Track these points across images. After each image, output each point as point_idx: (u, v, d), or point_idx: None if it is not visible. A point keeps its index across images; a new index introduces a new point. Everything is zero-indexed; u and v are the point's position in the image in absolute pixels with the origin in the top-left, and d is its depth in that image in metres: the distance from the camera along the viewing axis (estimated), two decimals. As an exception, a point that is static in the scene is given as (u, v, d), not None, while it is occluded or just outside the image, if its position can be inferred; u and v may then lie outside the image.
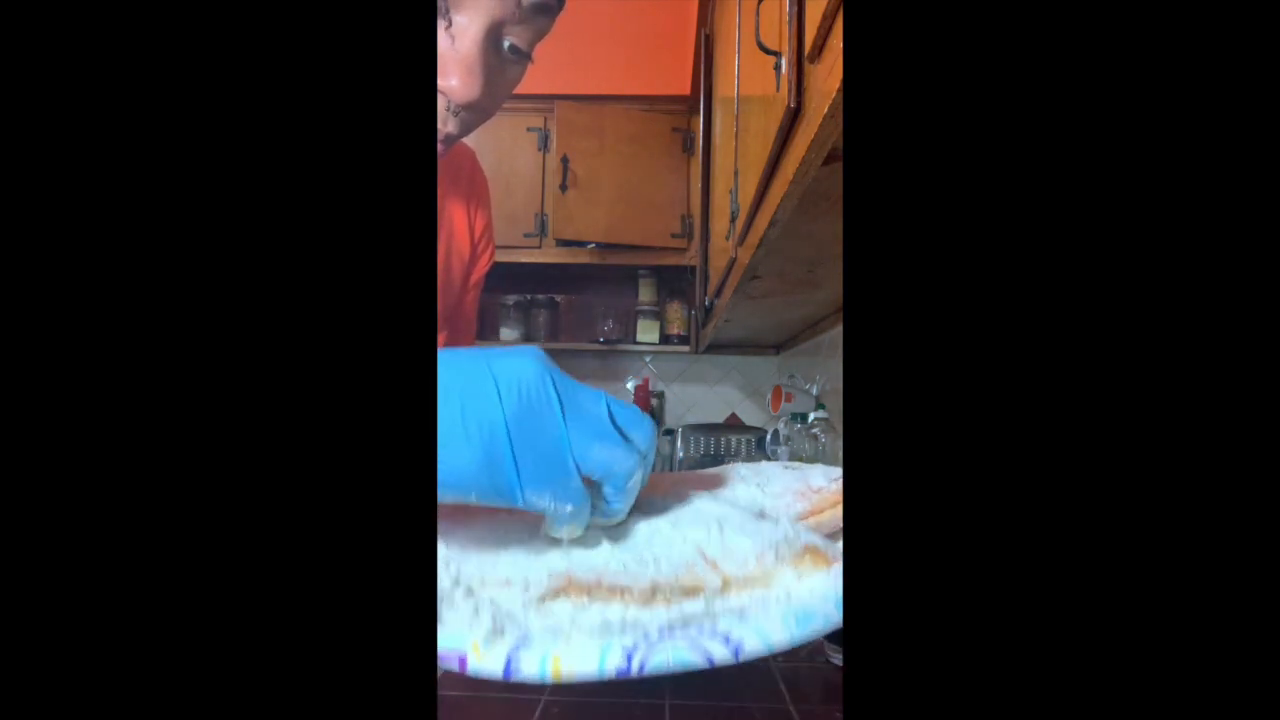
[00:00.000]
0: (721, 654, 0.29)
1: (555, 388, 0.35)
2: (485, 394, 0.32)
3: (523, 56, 0.53)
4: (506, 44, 0.51)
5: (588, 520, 0.36)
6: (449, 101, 0.51)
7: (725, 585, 0.33)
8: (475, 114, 0.53)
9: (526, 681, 0.29)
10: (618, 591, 0.32)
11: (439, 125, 0.52)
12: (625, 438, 0.36)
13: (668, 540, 0.36)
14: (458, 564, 0.34)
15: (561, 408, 0.35)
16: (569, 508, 0.34)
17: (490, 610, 0.31)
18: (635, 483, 0.36)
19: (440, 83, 0.50)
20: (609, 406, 0.37)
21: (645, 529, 0.37)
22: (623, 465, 0.36)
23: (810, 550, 0.34)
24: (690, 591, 0.33)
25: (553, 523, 0.35)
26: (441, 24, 0.49)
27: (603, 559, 0.34)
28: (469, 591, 0.32)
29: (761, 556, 0.34)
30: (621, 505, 0.37)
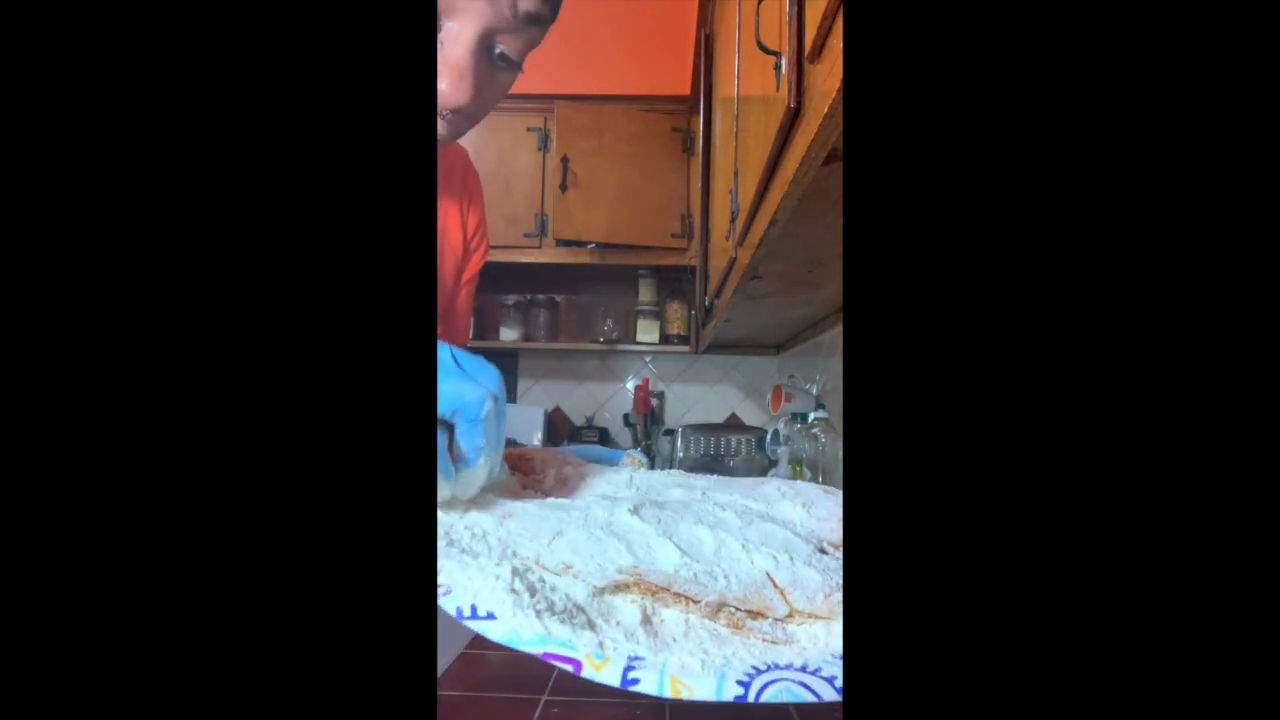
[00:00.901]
0: (829, 694, 0.30)
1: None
2: None
3: (513, 65, 0.54)
4: (497, 51, 0.52)
5: (450, 470, 0.37)
6: (438, 105, 0.52)
7: (790, 615, 0.34)
8: (463, 119, 0.54)
9: (644, 695, 0.30)
10: (683, 599, 0.33)
11: None
12: (471, 379, 0.38)
13: (735, 558, 0.36)
14: (513, 546, 0.35)
15: None
16: None
17: (562, 600, 0.32)
18: (486, 415, 0.37)
19: None
20: (453, 354, 0.39)
21: (711, 542, 0.37)
22: (473, 396, 0.37)
23: None
24: (756, 615, 0.34)
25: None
26: (442, 26, 0.49)
27: (673, 565, 0.35)
28: (533, 586, 0.33)
29: (830, 595, 0.35)
30: (477, 443, 0.37)
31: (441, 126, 0.53)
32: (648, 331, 2.46)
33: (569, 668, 0.30)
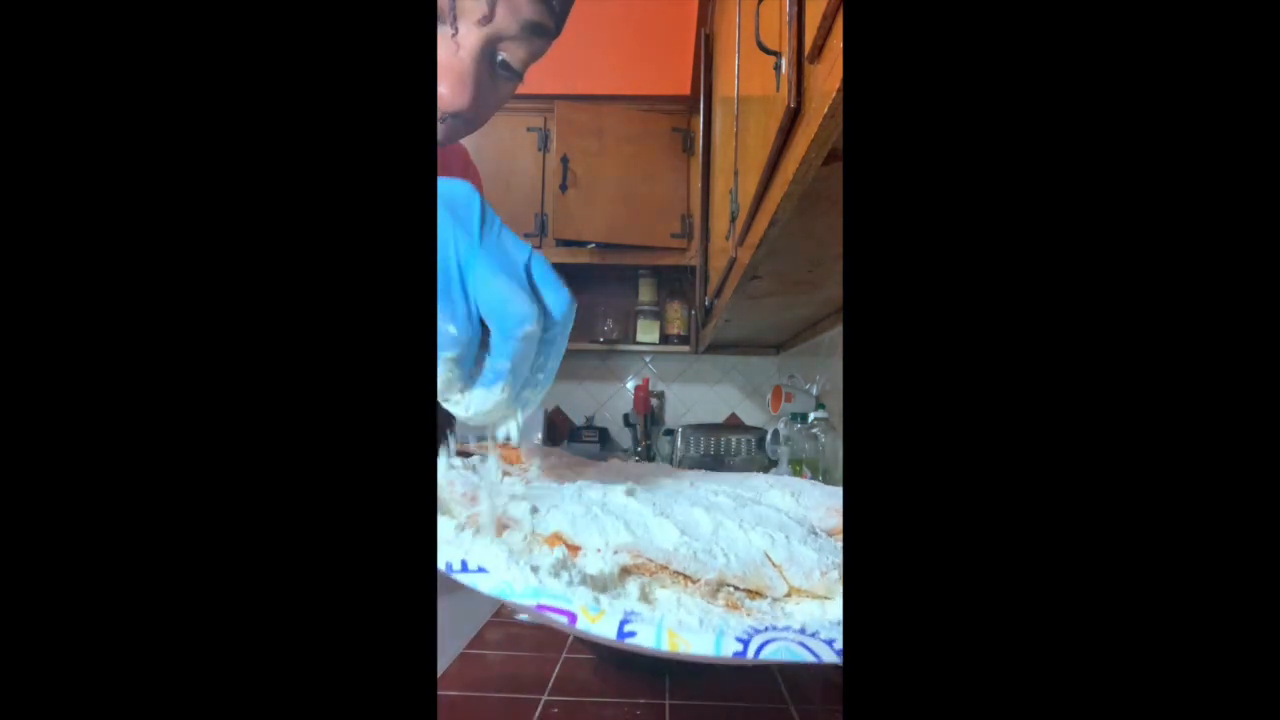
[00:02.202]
0: (828, 655, 0.29)
1: (483, 209, 0.35)
2: None
3: (514, 74, 0.54)
4: (499, 59, 0.52)
5: (469, 372, 0.34)
6: (437, 109, 0.52)
7: (789, 592, 0.34)
8: (462, 123, 0.54)
9: (640, 648, 0.29)
10: (682, 578, 0.33)
11: None
12: (537, 295, 0.35)
13: (733, 538, 0.36)
14: (504, 511, 0.35)
15: (481, 228, 0.34)
16: (451, 328, 0.33)
17: (579, 573, 0.31)
18: (526, 336, 0.34)
19: None
20: (530, 258, 0.36)
21: (708, 523, 0.37)
22: (517, 309, 0.34)
23: None
24: (755, 593, 0.33)
25: (440, 360, 0.34)
26: (448, 31, 0.49)
27: (671, 542, 0.34)
28: (528, 547, 0.32)
29: (826, 573, 0.35)
30: (502, 364, 0.35)
31: (440, 130, 0.54)
32: (648, 331, 2.46)
33: (563, 619, 0.29)
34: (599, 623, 0.29)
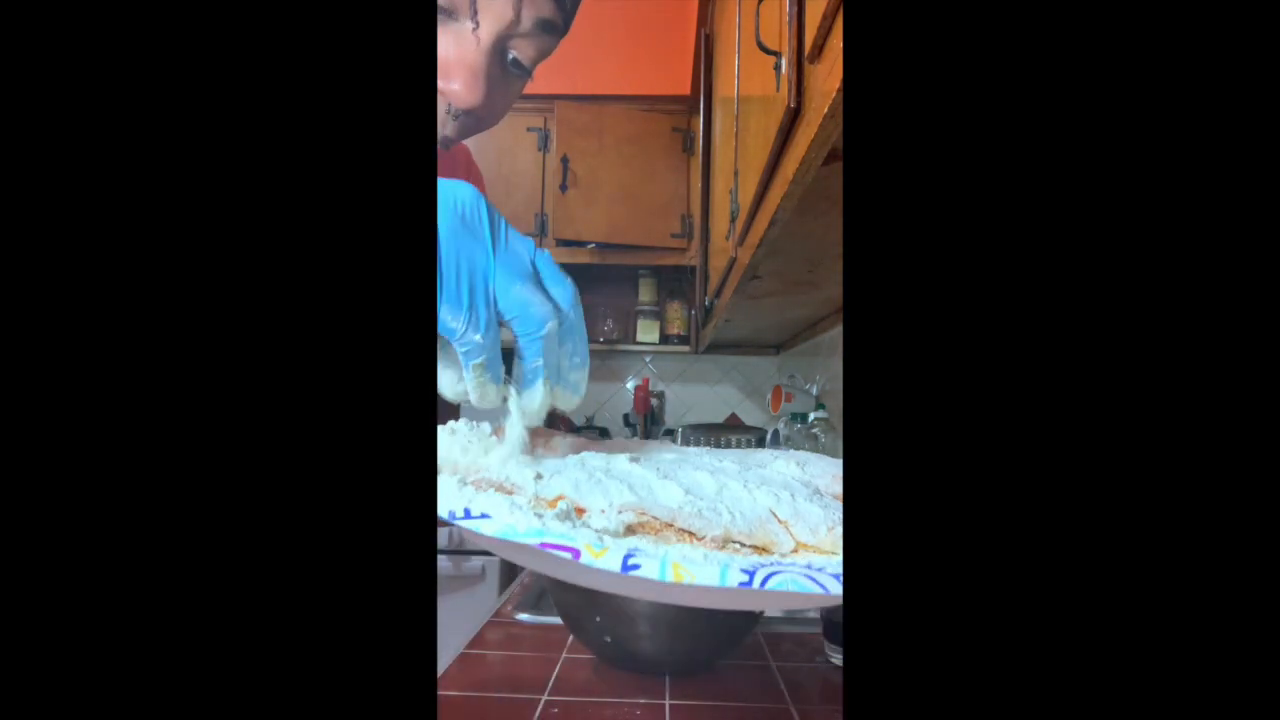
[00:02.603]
0: (834, 588, 0.29)
1: (491, 215, 0.36)
2: None
3: (524, 72, 0.54)
4: (510, 57, 0.52)
5: (499, 376, 0.36)
6: (449, 105, 0.51)
7: (796, 548, 0.34)
8: (474, 120, 0.54)
9: (644, 580, 0.29)
10: (688, 535, 0.33)
11: (438, 127, 0.52)
12: (544, 289, 0.37)
13: (738, 496, 0.36)
14: (506, 475, 0.35)
15: (493, 237, 0.36)
16: (477, 337, 0.35)
17: (583, 524, 0.31)
18: (549, 333, 0.37)
19: (443, 85, 0.50)
20: (534, 255, 0.38)
21: (712, 484, 0.37)
22: (538, 311, 0.36)
23: None
24: (761, 549, 0.33)
25: (463, 362, 0.36)
26: (468, 26, 0.49)
27: (676, 501, 0.34)
28: (530, 500, 0.32)
29: (832, 528, 0.35)
30: (535, 361, 0.37)
31: (452, 127, 0.53)
32: (648, 331, 2.46)
33: (567, 555, 0.29)
34: (603, 558, 0.29)
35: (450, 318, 0.34)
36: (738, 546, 0.33)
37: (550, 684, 0.51)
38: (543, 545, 0.29)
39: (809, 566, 0.30)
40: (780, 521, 0.34)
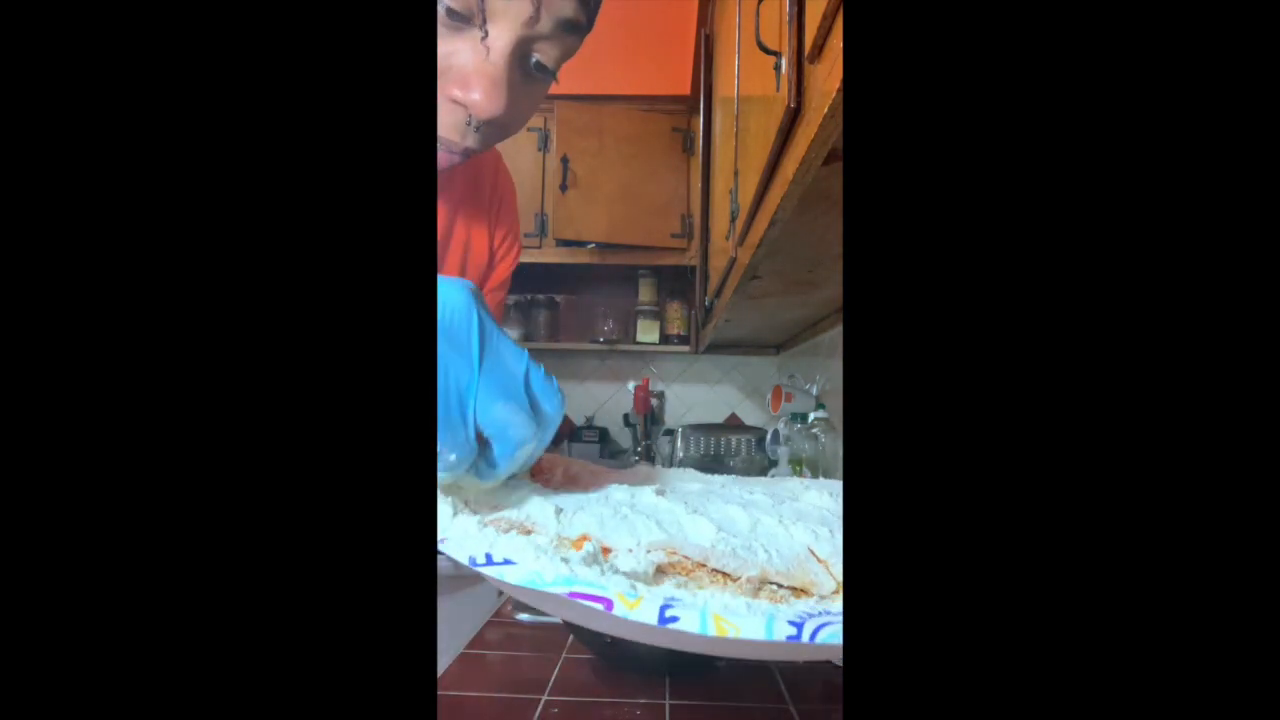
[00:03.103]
0: None
1: (480, 328, 0.35)
2: None
3: (548, 74, 0.52)
4: (533, 61, 0.50)
5: (461, 472, 0.36)
6: (470, 115, 0.49)
7: (837, 589, 0.32)
8: (496, 129, 0.52)
9: (684, 633, 0.27)
10: (721, 576, 0.31)
11: (458, 139, 0.51)
12: (534, 405, 0.36)
13: (773, 533, 0.34)
14: (527, 515, 0.34)
15: (480, 352, 0.34)
16: (452, 457, 0.34)
17: (612, 569, 0.30)
18: (525, 454, 0.36)
19: (462, 95, 0.48)
20: (528, 369, 0.37)
21: (745, 520, 0.35)
22: (519, 432, 0.35)
23: None
24: (800, 590, 0.31)
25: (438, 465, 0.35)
26: (476, 34, 0.47)
27: (708, 539, 0.32)
28: (553, 543, 0.31)
29: None
30: (503, 470, 0.37)
31: (472, 138, 0.51)
32: (648, 331, 2.46)
33: (599, 606, 0.27)
34: (637, 609, 0.27)
35: None
36: (774, 589, 0.31)
37: (550, 684, 0.51)
38: (572, 595, 0.28)
39: None
40: (820, 560, 0.32)
